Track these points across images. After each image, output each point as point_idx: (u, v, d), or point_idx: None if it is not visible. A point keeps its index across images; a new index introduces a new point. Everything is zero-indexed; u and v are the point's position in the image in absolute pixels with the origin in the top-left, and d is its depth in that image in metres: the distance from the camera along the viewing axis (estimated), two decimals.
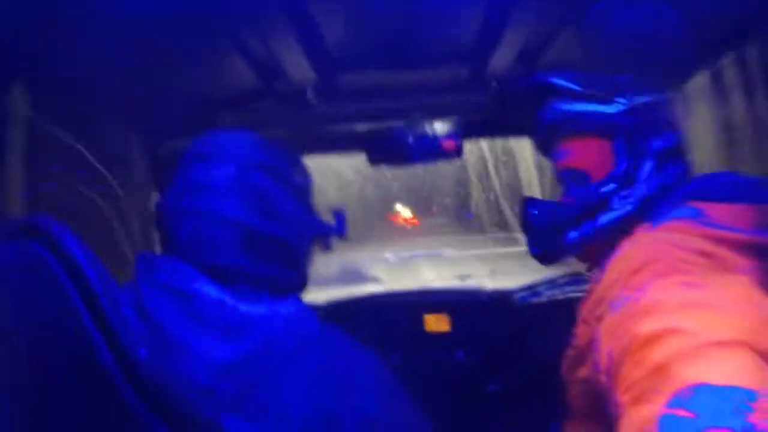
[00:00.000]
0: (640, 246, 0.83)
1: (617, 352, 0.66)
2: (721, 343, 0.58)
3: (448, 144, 1.70)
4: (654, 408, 0.55)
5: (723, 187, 0.88)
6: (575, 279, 2.18)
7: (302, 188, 0.97)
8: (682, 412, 0.52)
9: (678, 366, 0.57)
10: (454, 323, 2.06)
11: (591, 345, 0.79)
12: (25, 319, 0.65)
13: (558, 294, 2.15)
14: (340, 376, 0.85)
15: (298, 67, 1.44)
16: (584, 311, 0.89)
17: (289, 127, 1.80)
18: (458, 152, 1.72)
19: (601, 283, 0.85)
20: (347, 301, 2.22)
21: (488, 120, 1.84)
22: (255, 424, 0.77)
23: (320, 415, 0.80)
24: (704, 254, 0.75)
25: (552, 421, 1.13)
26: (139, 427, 0.64)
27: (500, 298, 2.17)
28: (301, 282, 0.98)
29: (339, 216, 1.11)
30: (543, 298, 2.15)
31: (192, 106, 1.52)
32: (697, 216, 0.82)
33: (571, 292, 2.13)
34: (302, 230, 0.95)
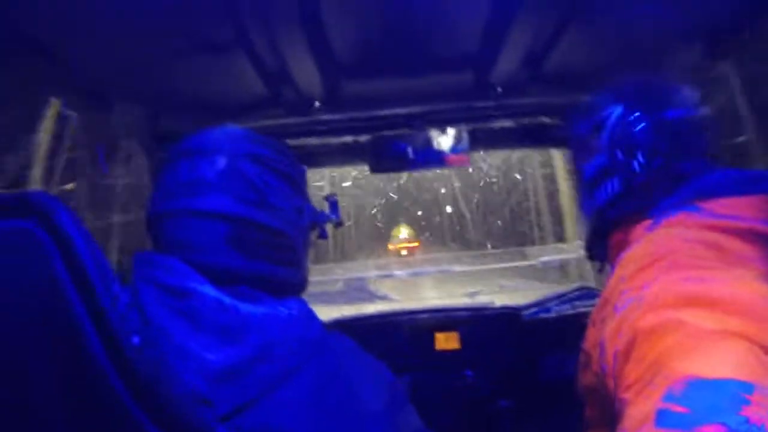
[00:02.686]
0: (647, 245, 0.85)
1: (621, 350, 0.67)
2: (717, 335, 0.58)
3: (454, 159, 1.72)
4: (650, 403, 0.55)
5: (723, 184, 0.89)
6: (585, 293, 2.19)
7: (295, 177, 0.95)
8: (676, 407, 0.52)
9: (673, 359, 0.58)
10: (464, 341, 2.06)
11: (596, 349, 0.80)
12: (12, 300, 0.61)
13: (568, 309, 2.15)
14: (342, 389, 0.82)
15: (305, 74, 1.46)
16: (593, 314, 0.90)
17: (295, 137, 1.82)
18: (465, 162, 1.73)
19: (609, 283, 0.86)
20: (354, 319, 2.21)
21: (494, 130, 1.84)
22: None
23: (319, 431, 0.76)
24: (711, 245, 0.76)
25: None
26: (127, 422, 0.60)
27: (509, 315, 2.17)
28: (300, 280, 0.96)
29: (332, 202, 1.11)
30: (552, 314, 2.14)
31: (197, 112, 1.54)
32: (698, 210, 0.85)
33: (580, 306, 2.13)
34: (297, 219, 0.93)
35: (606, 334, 0.74)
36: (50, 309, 0.59)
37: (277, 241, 0.89)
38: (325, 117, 1.71)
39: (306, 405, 0.77)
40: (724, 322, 0.59)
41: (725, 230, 0.79)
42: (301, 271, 0.95)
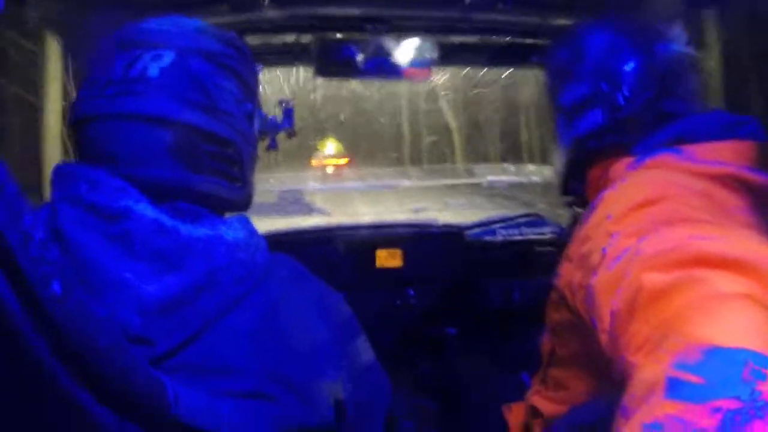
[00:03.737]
0: (633, 185, 0.82)
1: (623, 309, 0.63)
2: (735, 298, 0.54)
3: (412, 71, 1.62)
4: (660, 368, 0.52)
5: (706, 127, 0.88)
6: (535, 221, 2.19)
7: (248, 79, 0.85)
8: (689, 376, 0.49)
9: (687, 322, 0.54)
10: (406, 259, 2.04)
11: (574, 288, 0.78)
12: None
13: (515, 234, 2.14)
14: (289, 317, 0.75)
15: None
16: (569, 249, 0.86)
17: (239, 35, 1.68)
18: (425, 76, 1.64)
19: (590, 219, 0.82)
20: (288, 233, 2.16)
21: (458, 45, 1.75)
22: (195, 380, 0.65)
23: (264, 370, 0.70)
24: (703, 195, 0.74)
25: (522, 370, 1.13)
26: (52, 389, 0.50)
27: (453, 234, 2.15)
28: (245, 197, 0.87)
29: (287, 109, 1.02)
30: (498, 237, 2.14)
31: (129, 7, 1.37)
32: (679, 152, 0.83)
33: (530, 233, 2.13)
34: (247, 128, 0.84)
35: (596, 283, 0.70)
36: None
37: (225, 153, 0.80)
38: (271, 14, 1.56)
39: (252, 335, 0.71)
40: (743, 284, 0.56)
41: (713, 178, 0.77)
42: (246, 187, 0.86)
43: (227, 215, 0.82)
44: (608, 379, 0.63)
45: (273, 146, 0.99)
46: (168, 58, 0.75)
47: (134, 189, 0.70)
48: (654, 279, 0.60)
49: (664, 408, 0.49)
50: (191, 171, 0.76)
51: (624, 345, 0.61)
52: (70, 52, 1.46)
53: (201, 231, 0.72)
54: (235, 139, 0.81)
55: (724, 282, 0.56)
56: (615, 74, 0.96)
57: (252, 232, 0.79)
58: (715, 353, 0.49)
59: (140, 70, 0.74)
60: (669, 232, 0.67)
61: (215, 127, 0.78)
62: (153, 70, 0.74)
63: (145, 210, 0.69)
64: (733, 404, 0.45)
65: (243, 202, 0.87)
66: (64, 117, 1.44)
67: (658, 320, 0.57)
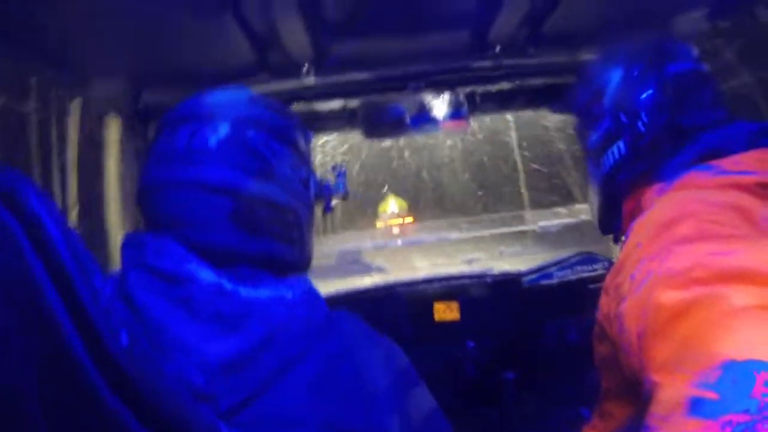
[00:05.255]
0: (660, 209, 0.83)
1: (648, 331, 0.64)
2: (752, 311, 0.56)
3: (451, 124, 1.68)
4: (682, 388, 0.54)
5: (731, 140, 0.88)
6: (586, 258, 2.18)
7: (300, 145, 0.89)
8: (707, 394, 0.51)
9: (706, 339, 0.55)
10: (463, 310, 2.05)
11: (613, 320, 0.78)
12: None
13: (569, 275, 2.14)
14: (349, 372, 0.77)
15: (294, 36, 1.41)
16: (606, 282, 0.88)
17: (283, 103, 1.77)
18: (463, 127, 1.69)
19: (623, 250, 0.84)
20: (349, 294, 2.19)
21: (493, 93, 1.81)
22: None
23: (325, 421, 0.72)
24: (732, 207, 0.74)
25: (581, 406, 1.12)
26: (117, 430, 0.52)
27: (509, 281, 2.16)
28: (304, 259, 0.90)
29: (340, 173, 1.05)
30: (554, 280, 2.14)
31: (181, 83, 1.48)
32: (709, 169, 0.84)
33: (582, 272, 2.12)
34: (303, 192, 0.87)
35: (624, 309, 0.72)
36: (23, 303, 0.50)
37: (283, 217, 0.84)
38: (315, 81, 1.66)
39: (311, 392, 0.73)
40: (757, 296, 0.57)
41: (741, 187, 0.77)
42: (305, 249, 0.90)
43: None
44: (642, 406, 0.64)
45: (328, 209, 1.02)
46: (224, 129, 0.79)
47: (194, 255, 0.74)
48: (673, 297, 0.61)
49: (685, 427, 0.51)
50: (250, 236, 0.79)
51: (648, 364, 0.62)
52: (128, 130, 1.58)
53: (261, 293, 0.75)
54: (291, 203, 0.84)
55: (740, 296, 0.57)
56: (631, 104, 0.98)
57: (310, 289, 0.82)
58: (729, 368, 0.51)
59: (201, 141, 0.79)
60: (689, 250, 0.68)
61: (272, 192, 0.81)
62: (212, 141, 0.79)
63: (207, 275, 0.73)
64: (743, 418, 0.47)
65: (302, 264, 0.90)
66: (122, 191, 1.54)
67: (678, 338, 0.58)
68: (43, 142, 1.29)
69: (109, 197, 1.53)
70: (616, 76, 1.02)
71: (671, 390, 0.55)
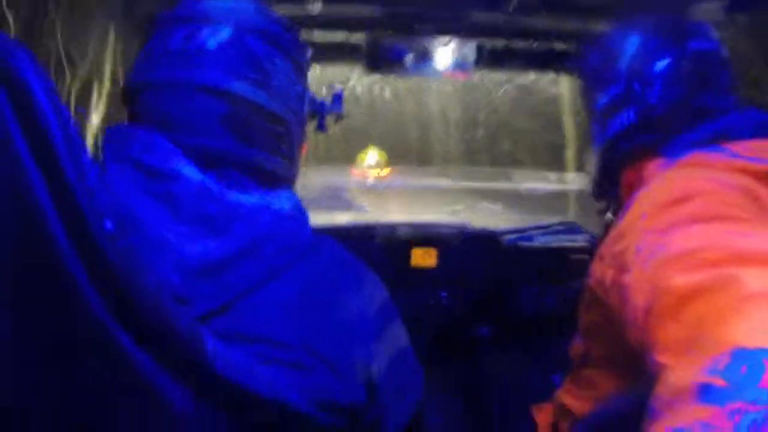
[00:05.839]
0: (667, 182, 0.82)
1: (653, 306, 0.63)
2: (762, 296, 0.54)
3: (453, 74, 1.67)
4: (692, 372, 0.52)
5: (747, 125, 0.88)
6: (572, 228, 2.19)
7: (300, 61, 0.87)
8: (717, 380, 0.50)
9: (720, 324, 0.54)
10: (441, 259, 2.06)
11: (607, 287, 0.78)
12: None
13: (552, 241, 2.15)
14: (329, 294, 0.77)
15: None
16: (602, 248, 0.87)
17: None
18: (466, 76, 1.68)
19: (624, 218, 0.83)
20: (327, 228, 2.18)
21: (502, 49, 1.78)
22: (230, 345, 0.63)
23: (300, 342, 0.70)
24: (746, 192, 0.74)
25: (553, 372, 1.14)
26: (92, 326, 0.49)
27: (489, 237, 2.17)
28: (292, 173, 0.89)
29: (337, 94, 1.02)
30: (535, 243, 2.15)
31: None
32: (721, 150, 0.83)
33: (566, 241, 2.14)
34: (298, 107, 0.86)
35: (630, 282, 0.71)
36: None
37: (276, 129, 0.82)
38: (320, 10, 1.60)
39: (289, 310, 0.72)
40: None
41: (754, 175, 0.76)
42: (294, 165, 0.88)
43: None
44: (634, 377, 0.64)
45: (322, 128, 1.01)
46: (225, 33, 0.77)
47: (183, 154, 0.72)
48: (684, 278, 0.60)
49: (693, 413, 0.50)
50: (242, 142, 0.78)
51: (653, 344, 0.61)
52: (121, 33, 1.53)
53: (248, 198, 0.73)
54: (286, 116, 0.83)
55: (754, 280, 0.56)
56: (647, 73, 0.97)
57: (298, 205, 0.81)
58: (738, 355, 0.49)
59: (198, 42, 0.76)
60: (702, 229, 0.67)
61: (268, 102, 0.79)
62: (211, 44, 0.76)
63: (193, 174, 0.71)
64: (753, 407, 0.46)
65: (289, 179, 0.88)
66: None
67: (689, 321, 0.57)
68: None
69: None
70: (635, 42, 1.00)
71: (679, 374, 0.54)
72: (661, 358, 0.59)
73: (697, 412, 0.49)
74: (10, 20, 1.15)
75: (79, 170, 0.46)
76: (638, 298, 0.67)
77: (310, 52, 0.91)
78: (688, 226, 0.68)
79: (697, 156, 0.85)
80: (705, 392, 0.50)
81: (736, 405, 0.46)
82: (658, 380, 0.57)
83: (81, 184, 0.46)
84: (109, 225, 0.49)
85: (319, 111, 0.97)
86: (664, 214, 0.74)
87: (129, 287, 0.50)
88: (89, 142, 1.45)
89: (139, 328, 0.51)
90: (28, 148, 0.44)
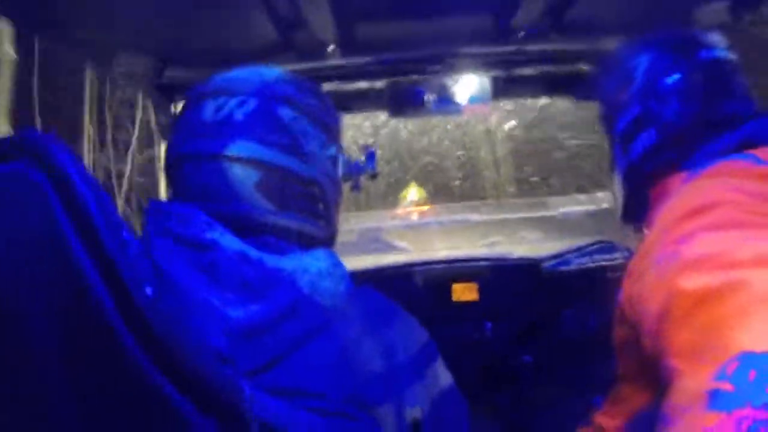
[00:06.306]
0: (687, 194, 0.82)
1: (664, 311, 0.63)
2: None
3: (472, 108, 1.70)
4: (703, 378, 0.52)
5: (766, 130, 0.87)
6: (605, 247, 2.18)
7: (330, 125, 0.89)
8: (725, 386, 0.49)
9: (730, 328, 0.54)
10: (482, 292, 2.07)
11: (633, 301, 0.77)
12: (9, 250, 0.52)
13: (588, 262, 2.15)
14: (370, 346, 0.78)
15: (319, 18, 1.42)
16: (630, 265, 0.87)
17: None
18: (484, 111, 1.72)
19: (648, 236, 0.83)
20: (368, 270, 2.20)
21: (516, 78, 1.82)
22: (275, 400, 0.65)
23: (345, 394, 0.71)
24: (766, 197, 0.72)
25: (595, 394, 1.14)
26: (139, 381, 0.53)
27: (529, 266, 2.18)
28: (329, 235, 0.90)
29: (370, 152, 1.04)
30: (572, 267, 2.15)
31: (205, 62, 1.52)
32: (746, 157, 0.82)
33: (601, 260, 2.13)
34: (331, 170, 0.88)
35: (644, 290, 0.71)
36: (51, 257, 0.51)
37: (310, 192, 0.84)
38: (340, 62, 1.67)
39: (333, 364, 0.73)
40: None
41: None
42: (331, 225, 0.91)
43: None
44: (660, 390, 0.63)
45: (357, 188, 1.03)
46: (252, 104, 0.80)
47: (220, 224, 0.75)
48: (696, 282, 0.60)
49: (703, 420, 0.49)
50: (276, 207, 0.80)
51: (664, 348, 0.61)
52: (154, 105, 1.62)
53: (286, 262, 0.75)
54: (319, 179, 0.85)
55: (766, 284, 0.55)
56: (661, 91, 0.96)
57: (336, 263, 0.82)
58: (746, 359, 0.49)
59: (226, 114, 0.80)
60: (718, 236, 0.66)
61: (299, 167, 0.82)
62: (238, 115, 0.80)
63: (232, 243, 0.73)
64: (761, 414, 0.45)
65: (327, 239, 0.90)
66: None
67: (699, 325, 0.57)
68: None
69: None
70: (645, 61, 1.00)
71: (691, 380, 0.54)
72: (673, 362, 0.58)
73: (707, 419, 0.49)
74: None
75: (118, 244, 0.53)
76: (652, 305, 0.67)
77: (340, 116, 0.94)
78: (705, 234, 0.68)
79: (722, 165, 0.84)
80: (713, 398, 0.49)
81: (744, 412, 0.46)
82: (670, 386, 0.57)
83: (121, 257, 0.52)
84: (149, 290, 0.54)
85: (354, 172, 0.99)
86: (684, 224, 0.73)
87: (172, 347, 0.55)
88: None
89: (181, 379, 0.55)
90: (73, 230, 0.51)
